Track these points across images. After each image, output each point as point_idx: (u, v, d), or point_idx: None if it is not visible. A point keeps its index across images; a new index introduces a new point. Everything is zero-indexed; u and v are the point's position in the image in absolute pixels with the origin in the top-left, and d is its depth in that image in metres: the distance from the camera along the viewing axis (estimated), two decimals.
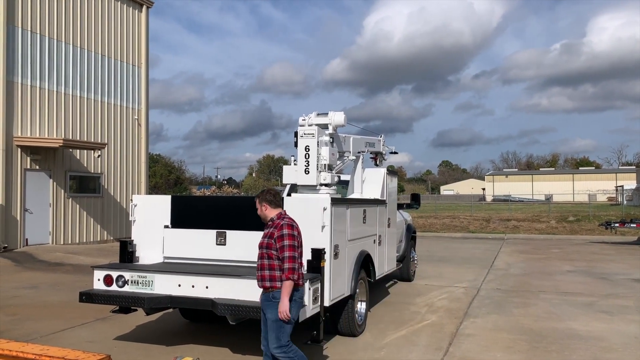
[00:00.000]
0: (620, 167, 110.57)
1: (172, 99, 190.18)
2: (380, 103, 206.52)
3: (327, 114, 7.81)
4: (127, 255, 6.95)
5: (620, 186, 72.40)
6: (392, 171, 9.72)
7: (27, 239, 16.51)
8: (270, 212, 5.02)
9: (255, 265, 6.25)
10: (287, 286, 4.68)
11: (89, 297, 6.29)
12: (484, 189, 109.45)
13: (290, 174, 7.79)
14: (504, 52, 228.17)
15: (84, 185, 18.99)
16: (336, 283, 6.43)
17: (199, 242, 6.69)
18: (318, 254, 5.97)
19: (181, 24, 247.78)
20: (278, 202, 5.08)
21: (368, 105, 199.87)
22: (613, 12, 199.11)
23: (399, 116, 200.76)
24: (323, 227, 6.23)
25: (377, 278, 8.21)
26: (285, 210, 5.17)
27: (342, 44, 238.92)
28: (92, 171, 19.18)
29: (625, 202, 53.60)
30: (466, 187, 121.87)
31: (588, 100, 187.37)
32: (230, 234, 6.55)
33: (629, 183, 73.96)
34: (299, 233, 4.95)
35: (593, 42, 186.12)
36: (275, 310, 4.72)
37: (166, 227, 6.88)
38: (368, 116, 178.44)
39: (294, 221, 4.98)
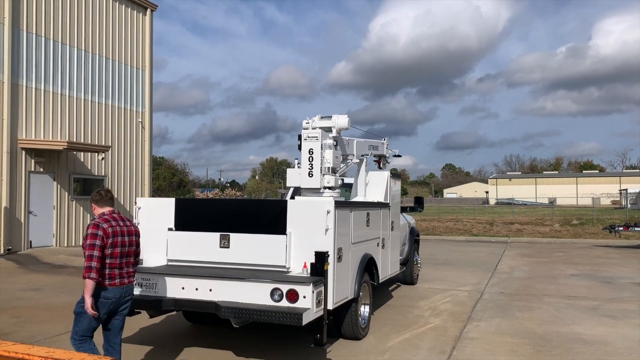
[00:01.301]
0: (624, 171, 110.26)
1: (177, 102, 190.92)
2: (385, 106, 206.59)
3: (331, 117, 7.83)
4: None
5: (624, 189, 72.20)
6: (395, 174, 9.72)
7: (30, 241, 16.56)
8: (97, 212, 4.99)
9: (256, 267, 6.32)
10: (85, 285, 4.66)
11: None
12: (487, 192, 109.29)
13: (294, 177, 7.79)
14: (509, 56, 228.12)
15: (88, 188, 19.02)
16: (339, 286, 6.42)
17: (202, 245, 6.69)
18: (322, 257, 5.97)
19: (186, 26, 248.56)
20: (105, 201, 5.00)
21: (373, 108, 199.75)
22: (619, 15, 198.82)
23: (404, 119, 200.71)
24: (327, 230, 6.22)
25: (380, 281, 8.20)
26: (111, 210, 5.02)
27: (347, 47, 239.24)
28: (96, 174, 19.23)
29: (629, 205, 53.38)
30: (469, 190, 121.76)
31: (593, 103, 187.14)
32: (234, 237, 6.55)
33: (633, 186, 73.68)
34: (114, 233, 4.82)
35: (598, 45, 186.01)
36: (79, 304, 4.79)
37: (170, 229, 6.89)
38: (373, 119, 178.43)
39: (106, 221, 4.84)
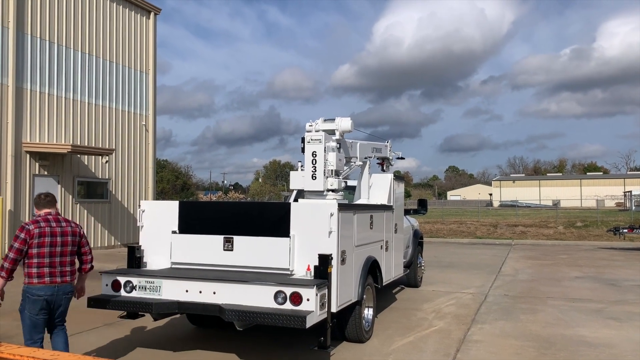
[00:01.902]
0: (628, 173, 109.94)
1: (182, 105, 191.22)
2: (389, 108, 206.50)
3: (334, 119, 7.82)
4: (134, 260, 6.97)
5: (628, 192, 72.03)
6: (398, 176, 9.70)
7: None
8: (37, 214, 5.33)
9: (260, 269, 6.37)
10: None
11: (97, 302, 6.31)
12: (491, 195, 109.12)
13: (298, 180, 7.80)
14: (514, 58, 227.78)
15: (92, 191, 19.08)
16: (343, 289, 6.42)
17: (206, 248, 6.70)
18: (325, 259, 5.97)
19: (190, 30, 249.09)
20: (43, 204, 5.32)
21: (376, 110, 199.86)
22: (623, 17, 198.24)
23: (408, 121, 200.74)
24: (330, 232, 6.23)
25: (384, 284, 8.19)
26: (47, 212, 5.28)
27: (351, 49, 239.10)
28: (100, 177, 19.27)
29: (633, 207, 53.28)
30: (473, 193, 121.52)
31: (597, 105, 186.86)
32: (238, 240, 6.56)
33: (638, 188, 73.51)
34: (41, 234, 5.08)
35: (603, 47, 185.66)
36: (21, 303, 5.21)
37: (174, 232, 6.90)
38: (376, 121, 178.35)
39: (35, 222, 5.13)
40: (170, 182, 76.92)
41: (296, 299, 5.61)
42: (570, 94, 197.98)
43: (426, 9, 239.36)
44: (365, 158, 8.92)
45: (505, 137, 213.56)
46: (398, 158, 10.54)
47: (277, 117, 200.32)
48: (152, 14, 21.80)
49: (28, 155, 16.52)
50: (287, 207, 6.55)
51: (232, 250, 6.58)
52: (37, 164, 16.83)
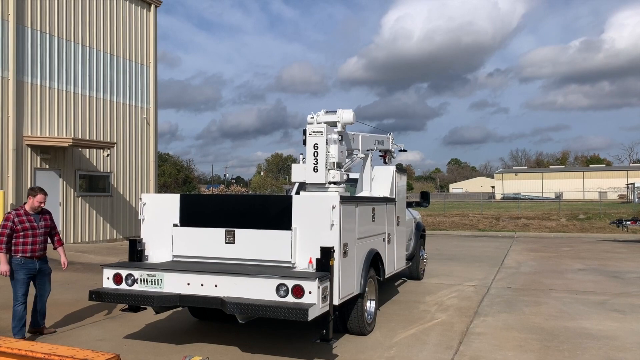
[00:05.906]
0: (631, 165, 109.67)
1: (189, 99, 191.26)
2: (396, 101, 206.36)
3: (336, 111, 7.78)
4: (136, 253, 6.96)
5: (631, 184, 71.88)
6: (401, 169, 9.66)
7: None
8: None
9: (262, 262, 6.37)
10: None
11: (98, 295, 6.31)
12: (493, 187, 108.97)
13: (299, 172, 7.76)
14: (522, 50, 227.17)
15: (94, 184, 19.06)
16: (345, 282, 6.39)
17: (208, 241, 6.68)
18: (327, 252, 5.94)
19: (193, 22, 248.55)
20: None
21: (383, 103, 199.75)
22: (633, 8, 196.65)
23: (414, 114, 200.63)
24: (332, 225, 6.20)
25: (386, 277, 8.17)
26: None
27: (359, 42, 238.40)
28: (102, 170, 19.25)
29: (636, 199, 53.18)
30: (475, 185, 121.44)
31: (604, 97, 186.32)
32: (239, 233, 6.54)
33: None
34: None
35: (612, 39, 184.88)
36: None
37: (175, 225, 6.88)
38: (383, 114, 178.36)
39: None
40: (172, 175, 76.92)
41: (298, 291, 5.59)
42: (578, 86, 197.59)
43: (433, 2, 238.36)
44: (368, 150, 8.87)
45: (510, 129, 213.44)
46: (400, 150, 10.50)
47: (283, 111, 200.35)
48: (152, 7, 21.70)
49: (29, 149, 16.49)
50: (288, 200, 6.52)
51: (233, 243, 6.55)
52: (38, 158, 16.80)
